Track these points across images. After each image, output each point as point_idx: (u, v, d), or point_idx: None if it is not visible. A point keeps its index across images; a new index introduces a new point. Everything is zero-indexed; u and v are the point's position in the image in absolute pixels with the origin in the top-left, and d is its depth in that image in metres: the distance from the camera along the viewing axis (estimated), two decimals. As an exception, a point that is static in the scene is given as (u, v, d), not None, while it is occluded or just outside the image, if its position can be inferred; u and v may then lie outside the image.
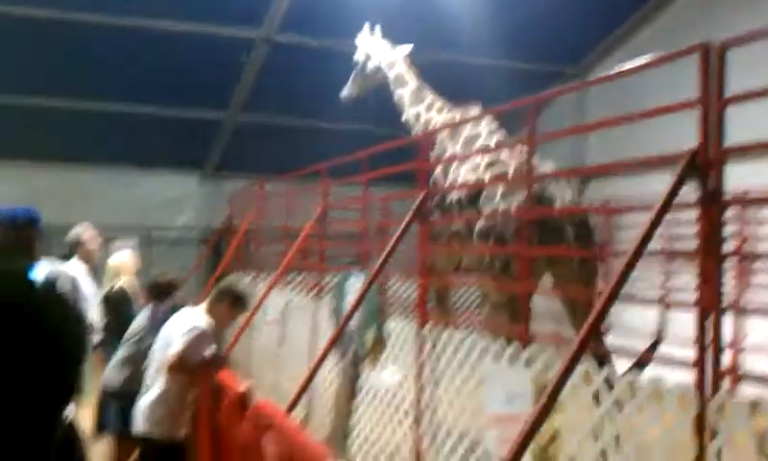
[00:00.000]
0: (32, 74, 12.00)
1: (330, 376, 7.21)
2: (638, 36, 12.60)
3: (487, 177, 6.74)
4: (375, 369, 6.28)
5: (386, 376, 6.16)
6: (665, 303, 9.17)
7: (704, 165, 3.38)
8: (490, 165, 6.79)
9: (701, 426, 3.16)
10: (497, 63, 12.52)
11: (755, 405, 3.02)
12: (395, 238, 5.99)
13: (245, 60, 12.07)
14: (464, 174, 7.04)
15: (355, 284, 6.55)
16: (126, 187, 14.54)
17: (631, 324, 10.33)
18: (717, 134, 3.38)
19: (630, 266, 3.40)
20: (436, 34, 11.46)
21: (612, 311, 3.52)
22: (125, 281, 7.94)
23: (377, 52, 8.72)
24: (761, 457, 2.99)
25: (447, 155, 7.42)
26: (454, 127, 7.42)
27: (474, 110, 7.25)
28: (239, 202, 12.92)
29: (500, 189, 6.48)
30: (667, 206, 3.48)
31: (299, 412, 7.85)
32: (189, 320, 5.44)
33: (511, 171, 6.51)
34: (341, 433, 6.70)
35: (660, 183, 3.56)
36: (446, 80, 12.04)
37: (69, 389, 1.88)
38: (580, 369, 3.80)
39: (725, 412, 3.09)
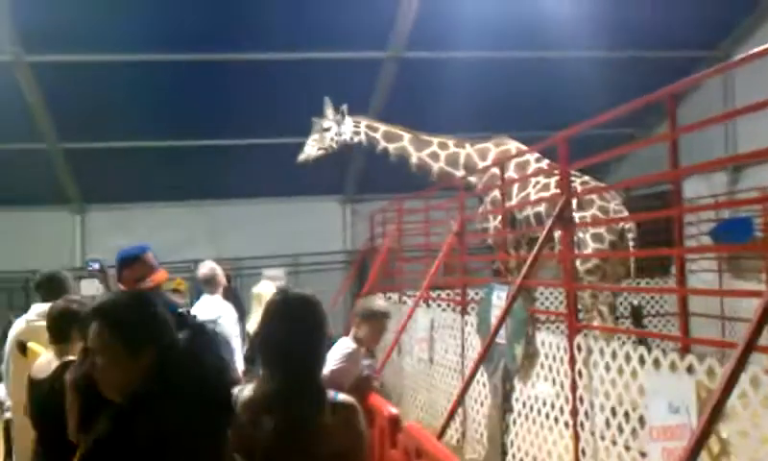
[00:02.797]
0: (177, 117, 12.55)
1: (482, 393, 7.06)
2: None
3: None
4: (528, 383, 6.08)
5: (542, 387, 5.96)
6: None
7: None
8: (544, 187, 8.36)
9: None
10: (630, 55, 12.03)
11: None
12: (537, 246, 5.81)
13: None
14: (534, 193, 8.44)
15: (500, 297, 6.39)
16: (270, 218, 14.89)
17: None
18: None
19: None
20: (560, 32, 11.14)
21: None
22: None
23: (346, 121, 9.90)
24: None
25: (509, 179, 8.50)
26: (514, 158, 8.81)
27: (507, 140, 8.89)
28: (379, 222, 13.00)
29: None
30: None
31: (453, 432, 7.76)
32: (339, 345, 5.44)
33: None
34: (497, 451, 6.53)
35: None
36: (577, 77, 11.78)
37: None
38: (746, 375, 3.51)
39: None
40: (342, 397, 2.81)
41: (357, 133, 9.87)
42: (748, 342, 3.01)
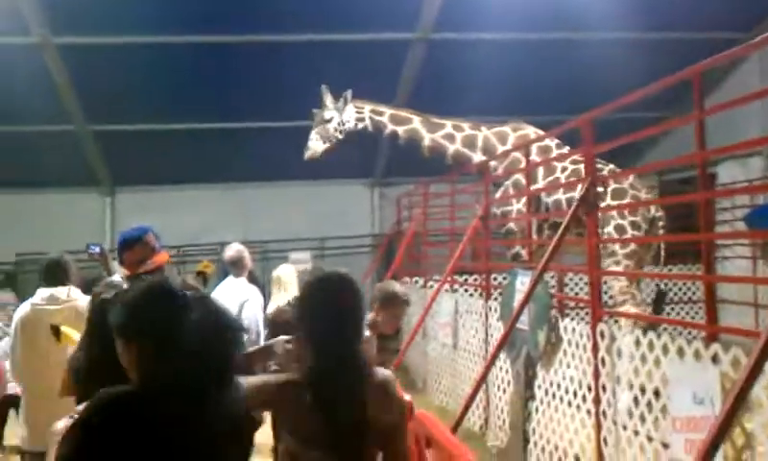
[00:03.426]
0: (207, 100, 12.53)
1: (505, 379, 6.95)
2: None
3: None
4: (551, 370, 5.96)
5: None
6: None
7: None
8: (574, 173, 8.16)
9: None
10: (662, 37, 11.76)
11: None
12: (560, 231, 5.68)
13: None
14: (564, 178, 8.32)
15: (524, 282, 6.26)
16: (298, 201, 14.85)
17: None
18: None
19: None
20: (587, 14, 10.89)
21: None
22: (294, 294, 7.92)
23: (348, 108, 9.45)
24: None
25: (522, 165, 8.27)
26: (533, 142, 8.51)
27: (524, 124, 8.92)
28: (406, 205, 12.92)
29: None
30: None
31: (476, 419, 7.68)
32: None
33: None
34: (519, 438, 6.43)
35: None
36: (605, 60, 11.58)
37: None
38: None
39: None
40: (385, 372, 2.85)
41: (361, 119, 9.50)
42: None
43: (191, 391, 2.23)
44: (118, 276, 5.72)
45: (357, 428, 2.61)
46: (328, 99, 9.57)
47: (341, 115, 9.48)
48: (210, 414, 2.25)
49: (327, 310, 2.79)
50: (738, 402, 2.87)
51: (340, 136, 9.53)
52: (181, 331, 2.27)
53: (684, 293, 12.02)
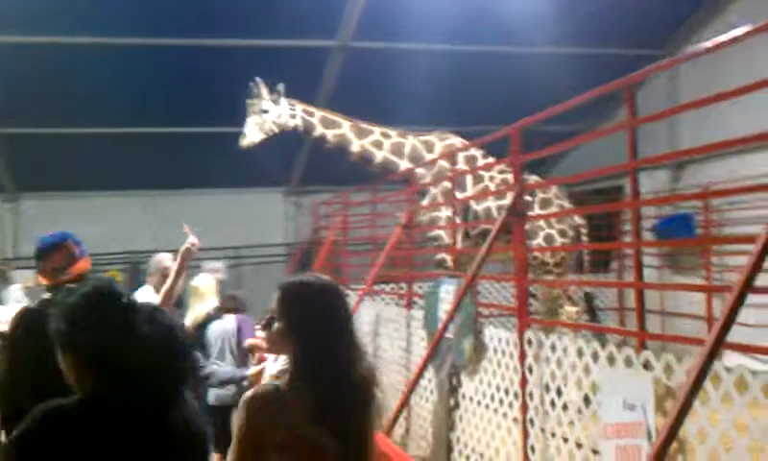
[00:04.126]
0: (118, 103, 12.12)
1: (428, 388, 6.93)
2: (725, 13, 11.93)
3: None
4: (476, 378, 5.97)
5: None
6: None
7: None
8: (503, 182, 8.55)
9: None
10: (576, 52, 12.04)
11: None
12: (489, 239, 5.70)
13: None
14: (494, 186, 8.70)
15: (449, 291, 6.26)
16: (212, 209, 14.50)
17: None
18: None
19: (762, 256, 3.01)
20: (507, 28, 11.05)
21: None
22: (213, 304, 7.69)
23: (282, 103, 9.28)
24: None
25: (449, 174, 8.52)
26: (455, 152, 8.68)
27: (449, 134, 9.24)
28: (324, 214, 12.81)
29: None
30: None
31: (396, 428, 7.62)
32: None
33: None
34: (443, 447, 6.41)
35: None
36: (523, 72, 11.80)
37: None
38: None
39: None
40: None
41: (293, 117, 9.32)
42: (717, 338, 2.90)
43: (135, 401, 2.11)
44: (18, 285, 5.50)
45: (348, 440, 2.50)
46: (264, 91, 9.30)
47: (277, 108, 9.26)
48: (158, 425, 2.13)
49: (323, 316, 2.61)
50: (682, 414, 2.90)
51: (276, 130, 9.29)
52: (125, 339, 2.15)
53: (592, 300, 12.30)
